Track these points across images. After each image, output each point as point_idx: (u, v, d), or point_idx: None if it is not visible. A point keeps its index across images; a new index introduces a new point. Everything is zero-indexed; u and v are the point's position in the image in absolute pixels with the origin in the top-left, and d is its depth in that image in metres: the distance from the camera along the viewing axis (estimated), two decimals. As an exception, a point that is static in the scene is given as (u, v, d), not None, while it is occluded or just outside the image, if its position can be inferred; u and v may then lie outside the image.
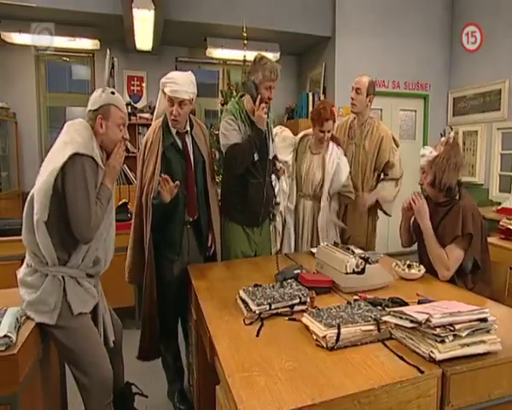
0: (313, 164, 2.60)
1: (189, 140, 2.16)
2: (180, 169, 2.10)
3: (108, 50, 1.93)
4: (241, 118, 2.25)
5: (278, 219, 2.60)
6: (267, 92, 2.18)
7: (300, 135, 2.74)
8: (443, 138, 2.06)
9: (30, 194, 1.58)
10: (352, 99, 2.73)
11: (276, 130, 2.69)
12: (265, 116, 2.17)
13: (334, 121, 2.55)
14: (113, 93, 1.69)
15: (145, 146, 2.11)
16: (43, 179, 1.52)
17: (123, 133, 1.72)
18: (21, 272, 1.64)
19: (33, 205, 1.52)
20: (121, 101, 1.74)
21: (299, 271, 1.84)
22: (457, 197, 1.98)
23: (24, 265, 1.66)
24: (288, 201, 2.63)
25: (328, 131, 2.54)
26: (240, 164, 2.20)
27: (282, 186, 2.60)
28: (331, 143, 2.61)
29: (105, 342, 1.77)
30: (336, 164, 2.55)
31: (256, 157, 2.27)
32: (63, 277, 1.58)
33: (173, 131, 2.10)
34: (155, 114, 2.24)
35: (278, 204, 2.53)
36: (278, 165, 2.49)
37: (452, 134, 2.04)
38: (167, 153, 2.07)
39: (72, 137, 1.58)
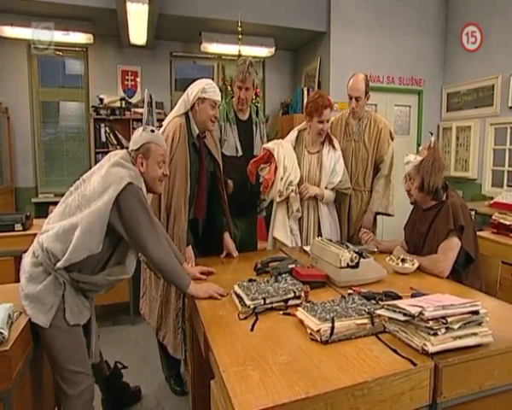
0: (313, 164, 2.52)
1: (203, 144, 2.22)
2: (195, 169, 2.14)
3: (147, 90, 1.95)
4: (228, 118, 2.46)
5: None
6: (238, 91, 2.44)
7: (295, 134, 2.57)
8: (421, 147, 2.14)
9: (75, 201, 1.57)
10: (354, 108, 2.64)
11: (274, 147, 2.43)
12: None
13: (331, 110, 2.46)
14: (152, 131, 1.71)
15: (172, 139, 2.04)
16: (98, 211, 1.50)
17: (163, 170, 1.73)
18: (26, 260, 1.60)
19: (76, 224, 1.50)
20: (161, 138, 1.76)
21: (293, 265, 1.85)
22: (444, 198, 2.02)
23: (30, 252, 1.61)
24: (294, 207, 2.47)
25: (328, 121, 2.48)
26: None
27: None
28: (326, 144, 2.52)
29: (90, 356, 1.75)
30: (332, 166, 2.49)
31: (240, 152, 2.52)
32: (64, 282, 1.55)
33: (195, 133, 2.14)
34: (174, 114, 2.17)
35: (264, 200, 2.70)
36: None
37: (433, 139, 2.09)
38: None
39: (123, 168, 1.60)
